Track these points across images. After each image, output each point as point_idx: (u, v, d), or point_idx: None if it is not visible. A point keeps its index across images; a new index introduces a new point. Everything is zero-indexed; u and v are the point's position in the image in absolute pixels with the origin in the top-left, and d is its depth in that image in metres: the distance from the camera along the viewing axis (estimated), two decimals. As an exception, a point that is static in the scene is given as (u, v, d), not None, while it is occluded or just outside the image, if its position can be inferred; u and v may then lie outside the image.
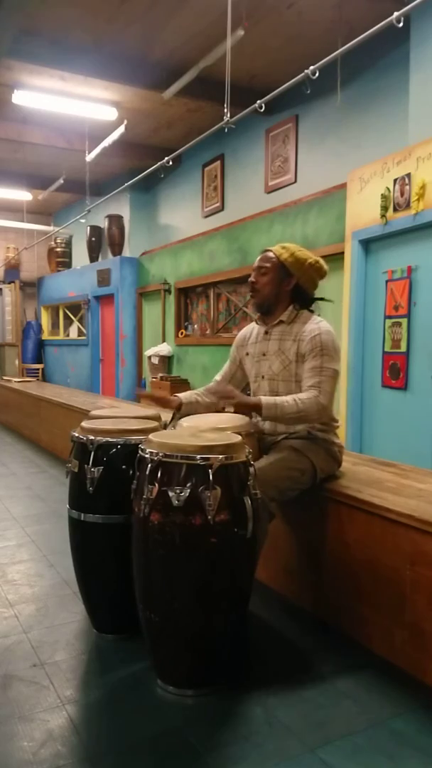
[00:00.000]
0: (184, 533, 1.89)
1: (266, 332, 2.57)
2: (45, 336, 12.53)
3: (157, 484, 1.92)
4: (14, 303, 12.01)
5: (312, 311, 2.57)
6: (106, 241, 10.18)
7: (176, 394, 2.71)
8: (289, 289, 2.50)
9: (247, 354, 2.67)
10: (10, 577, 2.98)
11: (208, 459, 1.89)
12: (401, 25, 3.05)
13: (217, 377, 2.83)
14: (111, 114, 7.07)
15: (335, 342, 2.43)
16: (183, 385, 7.87)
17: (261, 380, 2.58)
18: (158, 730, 1.82)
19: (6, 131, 7.76)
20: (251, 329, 2.71)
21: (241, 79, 6.12)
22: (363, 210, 4.74)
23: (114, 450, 2.28)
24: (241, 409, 2.41)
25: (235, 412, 2.48)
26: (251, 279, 2.55)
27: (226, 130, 4.12)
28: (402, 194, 4.32)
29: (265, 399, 2.34)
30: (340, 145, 5.97)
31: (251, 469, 2.02)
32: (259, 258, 2.55)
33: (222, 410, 2.63)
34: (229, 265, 7.24)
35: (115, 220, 9.83)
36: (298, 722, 1.85)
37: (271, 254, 2.51)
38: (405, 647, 2.10)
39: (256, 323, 2.68)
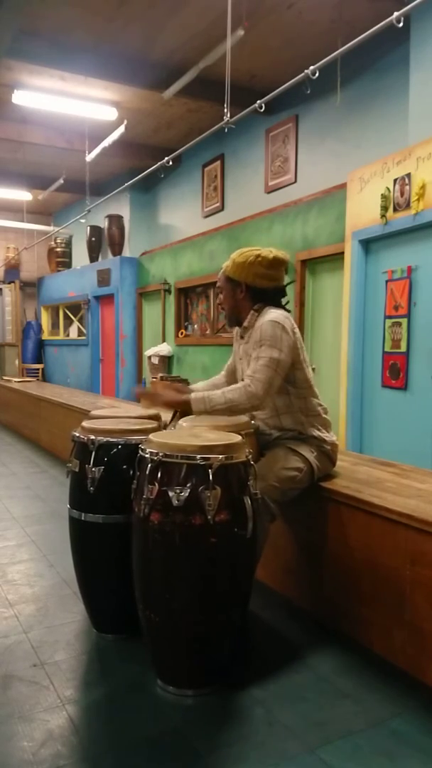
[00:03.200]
0: (184, 533, 1.89)
1: (242, 336, 2.61)
2: (45, 336, 12.53)
3: (157, 484, 1.92)
4: (14, 303, 12.01)
5: (282, 306, 2.52)
6: (106, 241, 10.18)
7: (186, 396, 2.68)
8: (243, 296, 2.50)
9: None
10: (10, 577, 2.98)
11: (208, 459, 1.89)
12: (401, 25, 3.04)
13: (223, 371, 2.86)
14: (111, 114, 7.07)
15: (277, 330, 2.35)
16: (183, 385, 7.86)
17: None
18: (158, 730, 1.82)
19: (6, 131, 7.76)
20: None
21: (241, 79, 6.12)
22: (363, 210, 4.74)
23: (115, 450, 2.28)
24: (169, 406, 2.40)
25: (167, 408, 2.46)
26: (218, 301, 2.65)
27: (226, 130, 4.12)
28: (402, 194, 4.32)
29: (194, 394, 2.33)
30: (340, 145, 5.97)
31: (251, 469, 2.02)
32: None
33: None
34: (229, 265, 7.24)
35: (115, 220, 9.83)
36: (298, 722, 1.85)
37: (220, 272, 2.56)
38: (405, 647, 2.10)
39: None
